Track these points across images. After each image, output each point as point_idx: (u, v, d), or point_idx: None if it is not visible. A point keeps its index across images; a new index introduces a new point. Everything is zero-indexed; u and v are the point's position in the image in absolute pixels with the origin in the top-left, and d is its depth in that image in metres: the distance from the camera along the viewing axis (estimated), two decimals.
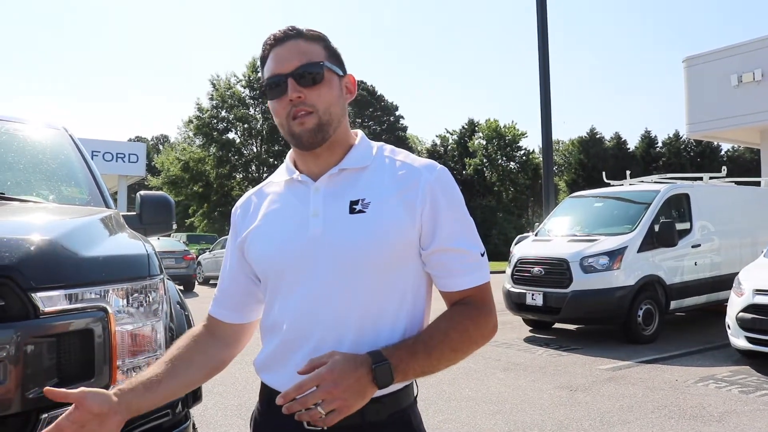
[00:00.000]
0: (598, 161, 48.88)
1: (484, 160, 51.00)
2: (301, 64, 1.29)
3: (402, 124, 53.83)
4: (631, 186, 10.92)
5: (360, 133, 1.44)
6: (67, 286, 1.63)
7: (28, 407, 1.53)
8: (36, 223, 1.84)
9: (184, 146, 44.95)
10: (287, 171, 1.40)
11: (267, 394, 1.38)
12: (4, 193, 2.44)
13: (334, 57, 1.37)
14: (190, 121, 44.61)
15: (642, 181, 11.36)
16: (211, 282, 20.71)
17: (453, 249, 1.32)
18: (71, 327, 1.61)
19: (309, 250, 1.30)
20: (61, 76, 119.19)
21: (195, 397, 2.11)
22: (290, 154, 1.43)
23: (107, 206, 2.72)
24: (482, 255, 1.38)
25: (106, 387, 1.66)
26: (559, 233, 9.79)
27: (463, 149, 52.44)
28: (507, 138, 50.58)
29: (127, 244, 2.05)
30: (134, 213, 2.89)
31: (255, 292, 1.47)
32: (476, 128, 52.78)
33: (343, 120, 1.37)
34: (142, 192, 2.93)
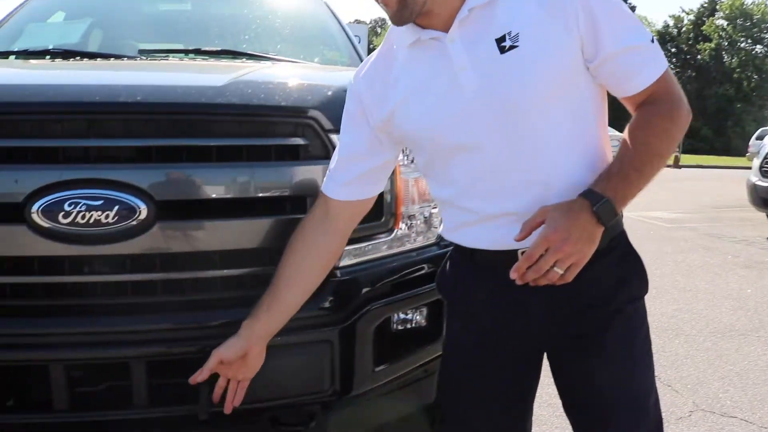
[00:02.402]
0: None
1: (724, 43, 45.30)
2: None
3: (630, 4, 49.26)
4: None
5: None
6: None
7: None
8: (324, 74, 1.92)
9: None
10: (410, 32, 1.26)
11: (467, 251, 1.36)
12: (278, 56, 2.60)
13: None
14: None
15: None
16: None
17: (622, 50, 1.21)
18: None
19: (472, 110, 1.21)
20: None
21: None
22: None
23: None
24: (653, 41, 1.24)
25: (390, 231, 1.75)
26: None
27: (699, 31, 46.93)
28: (755, 18, 44.14)
29: None
30: None
31: (381, 167, 1.41)
32: (717, 7, 46.65)
33: None
34: None
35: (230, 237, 1.53)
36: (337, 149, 1.46)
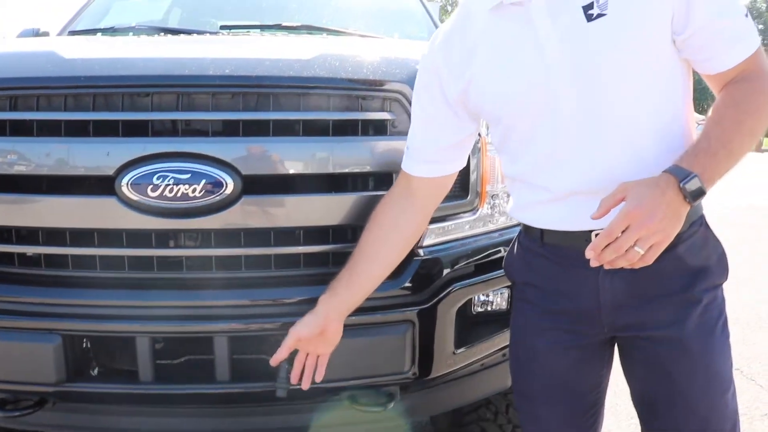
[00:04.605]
0: None
1: None
2: None
3: None
4: None
5: None
6: None
7: None
8: (408, 48, 1.88)
9: None
10: None
11: (536, 232, 1.30)
12: (360, 31, 2.57)
13: None
14: None
15: None
16: None
17: (715, 22, 1.14)
18: None
19: (554, 80, 1.15)
20: None
21: None
22: None
23: None
24: (747, 16, 1.16)
25: (474, 210, 1.70)
26: None
27: None
28: None
29: None
30: None
31: (462, 141, 1.35)
32: None
33: None
34: None
35: (314, 213, 1.52)
36: (412, 124, 1.41)
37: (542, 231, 1.29)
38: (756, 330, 3.97)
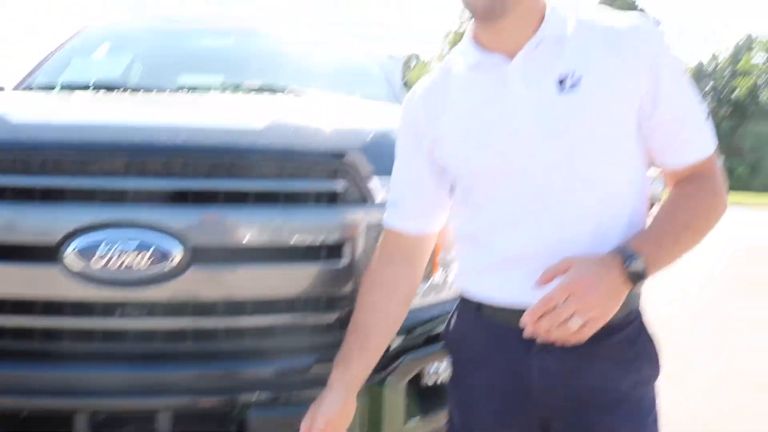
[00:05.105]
0: None
1: (760, 80, 44.85)
2: None
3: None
4: None
5: None
6: None
7: None
8: (365, 114, 1.90)
9: (440, 58, 46.44)
10: (471, 53, 1.21)
11: (473, 306, 1.28)
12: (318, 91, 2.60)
13: None
14: (447, 35, 45.75)
15: None
16: None
17: (680, 116, 1.18)
18: None
19: (518, 145, 1.16)
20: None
21: None
22: (470, 30, 1.23)
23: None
24: (707, 119, 1.22)
25: (426, 279, 1.69)
26: None
27: (735, 68, 46.63)
28: None
29: None
30: None
31: (441, 197, 1.34)
32: (753, 44, 46.36)
33: None
34: None
35: (264, 284, 1.50)
36: (393, 177, 1.40)
37: (480, 304, 1.28)
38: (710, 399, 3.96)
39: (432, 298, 1.72)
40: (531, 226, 1.19)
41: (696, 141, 1.21)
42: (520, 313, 1.16)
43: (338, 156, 1.57)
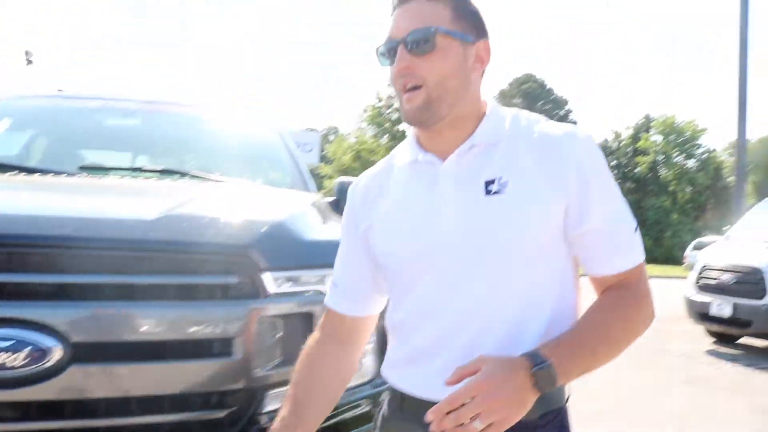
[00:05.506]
0: None
1: (660, 157, 47.97)
2: (414, 29, 1.15)
3: (572, 119, 52.01)
4: None
5: (491, 101, 1.26)
6: (292, 268, 1.67)
7: (254, 384, 1.59)
8: (261, 205, 1.92)
9: (357, 135, 47.05)
10: (411, 150, 1.26)
11: (398, 396, 1.28)
12: (220, 176, 2.59)
13: (465, 19, 1.20)
14: (365, 110, 46.48)
15: None
16: None
17: (606, 227, 1.18)
18: (295, 309, 1.66)
19: (441, 242, 1.19)
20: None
21: None
22: (414, 129, 1.28)
23: (309, 190, 2.82)
24: (636, 230, 1.22)
25: None
26: (753, 239, 8.88)
27: (636, 146, 49.77)
28: (685, 135, 47.23)
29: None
30: (332, 199, 2.96)
31: (379, 281, 1.35)
32: (650, 125, 49.81)
33: (467, 94, 1.20)
34: (340, 178, 3.01)
35: (151, 381, 1.46)
36: (337, 259, 1.40)
37: (402, 396, 1.28)
38: None
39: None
40: (445, 321, 1.21)
41: (622, 252, 1.20)
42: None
43: (231, 250, 1.58)
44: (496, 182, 1.17)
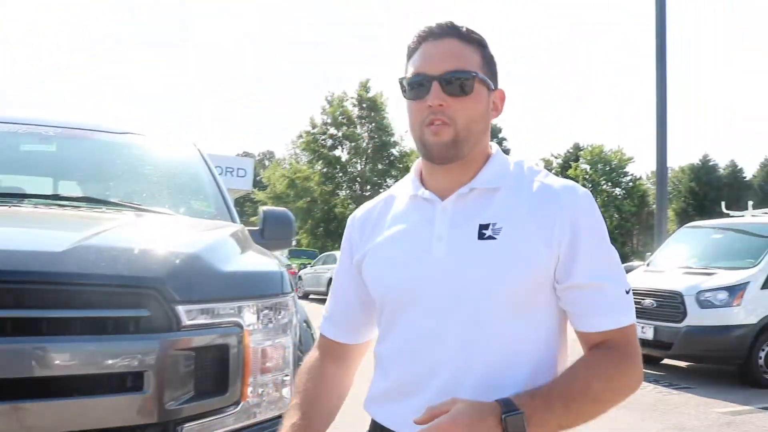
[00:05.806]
0: (710, 190, 46.70)
1: (588, 186, 49.62)
2: (452, 69, 1.18)
3: (505, 147, 53.19)
4: (753, 217, 10.23)
5: (495, 147, 1.30)
6: (207, 301, 1.66)
7: (166, 418, 1.56)
8: (177, 236, 1.90)
9: (291, 161, 46.40)
10: (413, 185, 1.30)
11: (378, 429, 1.29)
12: (140, 205, 2.55)
13: (489, 66, 1.24)
14: (300, 136, 45.63)
15: (767, 213, 10.63)
16: (310, 297, 21.04)
17: (594, 284, 1.18)
18: (209, 341, 1.64)
19: (429, 277, 1.21)
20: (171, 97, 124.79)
21: None
22: (417, 164, 1.32)
23: (233, 221, 2.79)
24: (627, 292, 1.21)
25: (237, 403, 1.68)
26: (673, 265, 9.29)
27: (566, 174, 51.31)
28: (612, 163, 49.05)
29: (260, 260, 2.08)
30: (257, 228, 2.95)
31: (370, 312, 1.38)
32: (579, 153, 51.53)
33: (483, 138, 1.25)
34: (265, 207, 3.00)
35: (58, 418, 1.41)
36: (330, 288, 1.44)
37: (382, 427, 1.28)
38: None
39: (247, 422, 1.71)
40: (426, 358, 1.21)
41: (608, 312, 1.19)
42: None
43: (142, 282, 1.55)
44: (490, 227, 1.18)
